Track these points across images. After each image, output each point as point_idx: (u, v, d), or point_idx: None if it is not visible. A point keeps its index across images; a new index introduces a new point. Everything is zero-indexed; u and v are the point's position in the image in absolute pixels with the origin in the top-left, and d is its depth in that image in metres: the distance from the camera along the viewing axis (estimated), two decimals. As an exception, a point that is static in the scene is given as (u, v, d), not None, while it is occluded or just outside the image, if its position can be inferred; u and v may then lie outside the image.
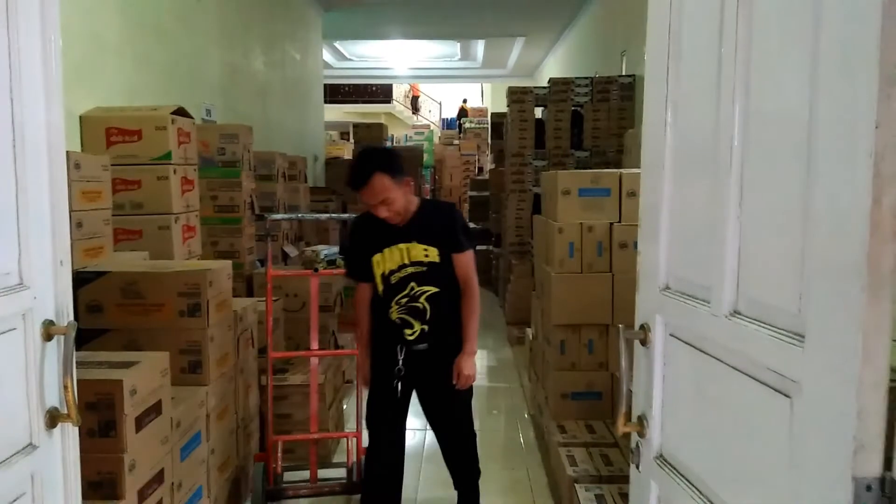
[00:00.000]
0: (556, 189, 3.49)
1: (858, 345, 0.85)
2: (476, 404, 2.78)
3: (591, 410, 3.43)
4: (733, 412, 1.15)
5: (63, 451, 1.37)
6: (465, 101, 20.35)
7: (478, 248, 2.73)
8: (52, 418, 1.33)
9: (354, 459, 3.06)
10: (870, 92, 0.83)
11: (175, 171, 3.28)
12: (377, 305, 2.61)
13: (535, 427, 4.05)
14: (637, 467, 1.49)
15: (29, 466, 1.28)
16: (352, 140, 9.68)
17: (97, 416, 1.92)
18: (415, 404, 2.72)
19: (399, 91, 21.24)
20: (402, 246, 2.52)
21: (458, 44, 13.69)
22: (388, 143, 11.17)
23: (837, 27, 0.90)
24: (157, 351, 2.28)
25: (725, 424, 1.18)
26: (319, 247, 4.56)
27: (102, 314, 2.55)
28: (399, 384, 2.58)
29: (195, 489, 2.49)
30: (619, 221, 3.42)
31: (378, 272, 2.54)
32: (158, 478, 2.16)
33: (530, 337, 4.65)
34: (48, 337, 1.33)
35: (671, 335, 1.37)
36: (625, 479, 1.67)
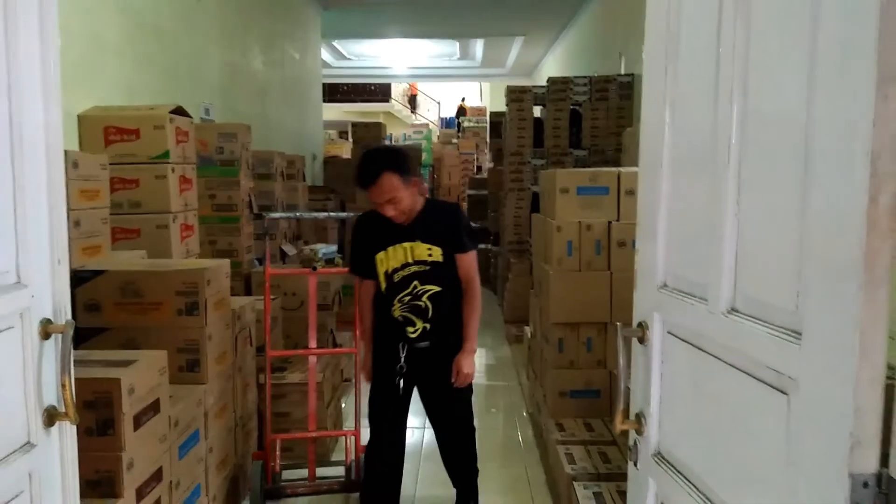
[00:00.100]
0: (554, 188, 3.49)
1: (855, 342, 0.86)
2: (475, 402, 2.79)
3: (589, 408, 3.43)
4: (731, 409, 1.16)
5: (61, 449, 1.37)
6: (463, 99, 20.35)
7: (478, 247, 2.73)
8: (50, 417, 1.33)
9: (353, 458, 3.07)
10: (867, 91, 0.83)
11: (173, 170, 3.28)
12: (380, 303, 2.62)
13: (533, 425, 4.05)
14: (635, 465, 1.49)
15: (27, 465, 1.28)
16: (350, 139, 9.68)
17: (95, 415, 1.92)
18: (414, 402, 2.72)
19: (398, 90, 21.24)
20: (406, 245, 2.53)
21: (458, 43, 13.69)
22: (387, 142, 11.15)
23: (835, 27, 0.90)
24: (155, 350, 2.28)
25: (723, 422, 1.18)
26: (318, 245, 4.55)
27: (100, 313, 2.55)
28: (401, 381, 2.60)
29: (193, 487, 2.49)
30: (618, 220, 3.42)
31: (381, 270, 2.56)
32: (157, 476, 2.16)
33: (529, 335, 4.66)
34: (46, 335, 1.33)
35: (669, 333, 1.37)
36: (623, 476, 1.67)
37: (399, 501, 2.81)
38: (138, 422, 2.03)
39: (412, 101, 21.98)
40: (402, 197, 2.44)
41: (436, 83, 21.06)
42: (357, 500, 3.02)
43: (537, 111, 7.10)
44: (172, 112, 3.31)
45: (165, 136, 3.22)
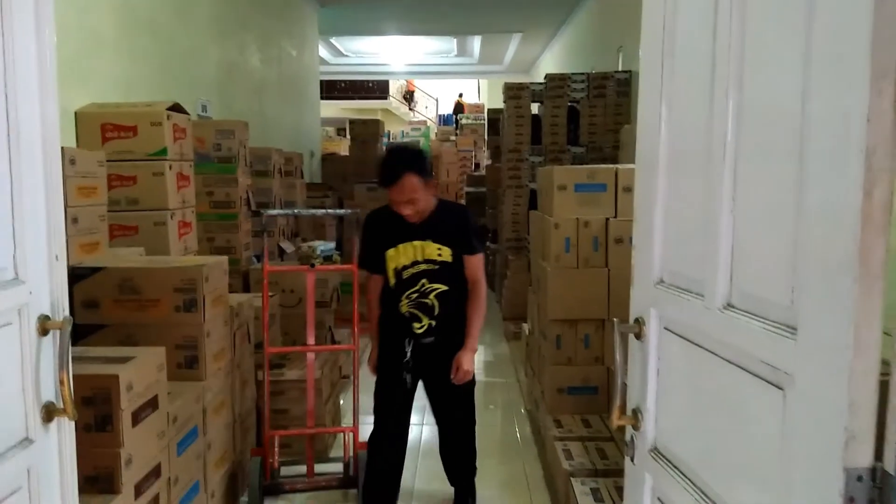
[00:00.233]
0: (552, 185, 3.49)
1: (850, 337, 0.86)
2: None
3: (587, 405, 3.44)
4: (727, 404, 1.16)
5: (59, 445, 1.38)
6: (461, 95, 20.34)
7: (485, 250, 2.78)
8: (49, 413, 1.34)
9: (351, 454, 3.07)
10: (861, 87, 0.84)
11: (170, 167, 3.27)
12: (387, 298, 2.67)
13: (531, 422, 4.06)
14: (632, 460, 1.50)
15: (25, 461, 1.28)
16: (348, 136, 9.67)
17: (94, 411, 1.92)
18: (415, 399, 2.74)
19: (395, 87, 21.21)
20: (416, 243, 2.58)
21: (455, 40, 13.68)
22: (385, 139, 11.15)
23: (830, 23, 0.91)
24: (154, 346, 2.28)
25: (719, 417, 1.19)
26: (316, 242, 4.56)
27: (98, 310, 2.55)
28: (409, 375, 2.64)
29: (192, 484, 2.50)
30: (615, 217, 3.43)
31: (391, 266, 2.60)
32: (155, 472, 2.16)
33: (526, 332, 4.66)
34: (44, 332, 1.33)
35: (665, 329, 1.38)
36: (620, 472, 1.68)
37: (398, 495, 2.82)
38: (137, 418, 2.04)
39: (408, 97, 21.93)
40: (420, 198, 2.50)
41: (433, 80, 21.03)
42: (355, 497, 3.03)
43: (535, 108, 7.10)
44: (170, 109, 3.31)
45: (163, 133, 3.22)
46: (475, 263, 2.65)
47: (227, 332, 2.86)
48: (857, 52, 0.84)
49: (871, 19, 0.82)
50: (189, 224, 3.51)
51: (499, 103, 7.74)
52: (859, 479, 0.86)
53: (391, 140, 14.87)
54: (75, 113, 3.21)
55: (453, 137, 15.21)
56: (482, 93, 21.56)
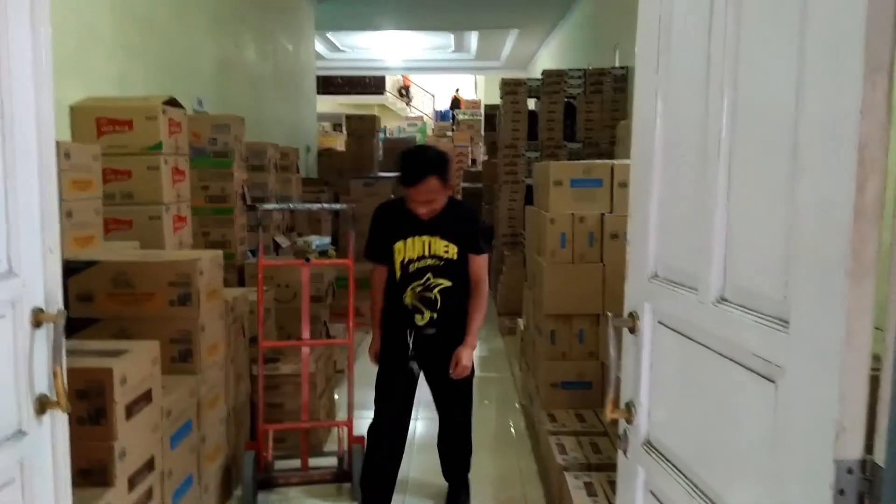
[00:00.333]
0: (548, 180, 3.49)
1: (842, 330, 0.86)
2: (469, 394, 2.81)
3: (581, 399, 3.45)
4: (719, 398, 1.17)
5: (52, 437, 1.38)
6: (457, 90, 20.32)
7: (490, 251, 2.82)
8: (42, 405, 1.33)
9: (345, 448, 3.08)
10: (855, 80, 0.84)
11: (166, 162, 3.26)
12: (392, 289, 2.71)
13: (525, 416, 4.07)
14: (625, 453, 1.50)
15: (18, 453, 1.28)
16: (345, 132, 9.66)
17: (87, 404, 1.92)
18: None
19: (391, 82, 21.16)
20: (425, 238, 2.63)
21: (452, 35, 13.66)
22: (381, 135, 11.13)
23: (824, 17, 0.91)
24: (148, 340, 2.28)
25: (711, 410, 1.19)
26: (311, 237, 4.56)
27: (92, 303, 2.55)
28: (414, 365, 2.70)
29: (186, 477, 2.50)
30: (611, 212, 3.43)
31: (398, 259, 2.65)
32: (149, 465, 2.16)
33: (521, 327, 4.67)
34: (37, 324, 1.33)
35: (659, 323, 1.38)
36: (614, 467, 1.68)
37: (395, 483, 2.84)
38: (130, 411, 2.03)
39: (402, 92, 21.87)
40: (438, 199, 2.57)
41: (430, 76, 21.00)
42: (349, 490, 3.03)
43: (532, 104, 7.09)
44: (165, 103, 3.30)
45: (158, 128, 3.21)
46: (480, 263, 2.71)
47: (221, 327, 2.86)
48: (850, 45, 0.84)
49: (864, 12, 0.82)
50: (184, 218, 3.50)
51: (495, 99, 7.74)
52: (849, 471, 0.86)
53: (387, 136, 14.85)
54: (70, 107, 3.20)
55: (450, 133, 15.21)
56: (479, 88, 21.54)
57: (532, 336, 3.97)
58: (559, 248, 3.43)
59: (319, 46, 13.16)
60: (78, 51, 3.50)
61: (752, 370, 1.05)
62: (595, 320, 3.48)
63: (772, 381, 1.00)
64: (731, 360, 1.12)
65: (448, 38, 14.00)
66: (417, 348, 2.70)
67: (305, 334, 3.10)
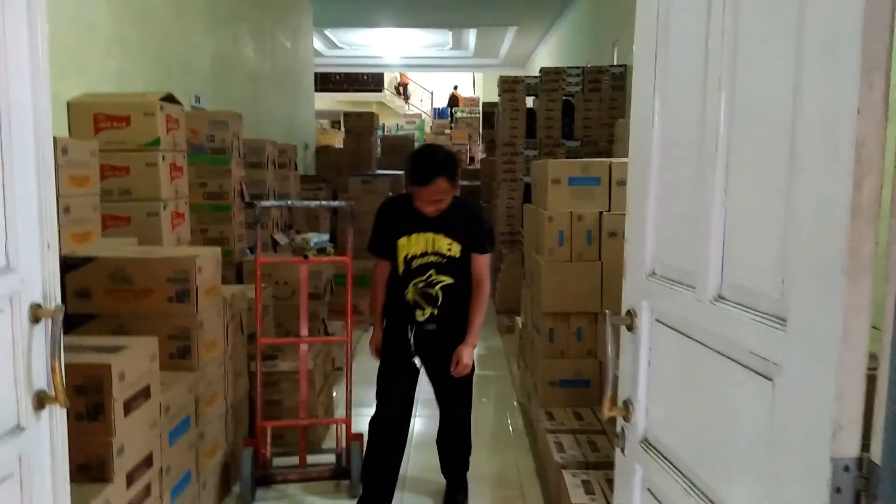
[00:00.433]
0: (546, 178, 3.49)
1: (839, 327, 0.87)
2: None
3: (578, 398, 3.46)
4: (717, 396, 1.17)
5: (51, 433, 1.38)
6: (455, 87, 20.30)
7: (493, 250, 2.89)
8: (40, 400, 1.34)
9: (343, 445, 3.08)
10: (852, 79, 0.84)
11: (164, 158, 3.26)
12: (394, 283, 2.74)
13: (523, 414, 4.07)
14: (622, 451, 1.51)
15: (16, 448, 1.28)
16: (343, 129, 9.64)
17: (85, 400, 1.92)
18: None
19: (388, 79, 21.12)
20: (429, 235, 2.65)
21: (450, 33, 13.64)
22: (380, 132, 11.12)
23: (822, 15, 0.91)
24: (146, 336, 2.28)
25: (709, 408, 1.20)
26: (309, 234, 4.55)
27: (90, 300, 2.54)
28: (416, 360, 2.74)
29: (184, 473, 2.50)
30: (609, 210, 3.43)
31: (402, 254, 2.68)
32: (147, 462, 2.16)
33: (520, 325, 4.67)
34: (35, 320, 1.33)
35: (657, 320, 1.39)
36: (611, 465, 1.69)
37: (397, 479, 2.85)
38: (129, 407, 2.03)
39: (399, 90, 21.83)
40: (445, 199, 2.59)
41: (428, 73, 20.98)
42: (347, 487, 3.04)
43: (530, 102, 7.09)
44: (163, 99, 3.29)
45: (156, 124, 3.20)
46: (483, 263, 2.73)
47: (219, 323, 2.86)
48: (848, 44, 0.85)
49: (862, 11, 0.82)
50: (182, 215, 3.50)
51: (494, 97, 7.73)
52: (846, 469, 0.87)
53: (385, 133, 14.84)
54: (68, 103, 3.19)
55: (448, 131, 15.21)
56: (477, 86, 21.51)
57: (530, 334, 3.97)
58: (557, 247, 3.44)
59: (318, 43, 13.14)
60: (75, 46, 3.49)
61: (749, 368, 1.06)
62: (593, 318, 3.49)
63: (769, 379, 1.01)
64: (728, 357, 1.12)
65: (446, 36, 13.98)
66: (418, 344, 2.72)
67: (304, 331, 3.11)
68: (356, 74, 19.20)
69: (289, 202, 4.72)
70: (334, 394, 4.03)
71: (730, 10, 1.14)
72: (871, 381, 0.86)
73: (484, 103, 9.70)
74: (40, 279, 1.35)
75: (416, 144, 12.23)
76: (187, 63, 5.08)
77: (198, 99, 5.14)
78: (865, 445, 0.87)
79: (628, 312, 1.47)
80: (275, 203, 4.48)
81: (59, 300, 1.40)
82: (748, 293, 1.08)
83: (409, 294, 2.69)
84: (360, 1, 10.45)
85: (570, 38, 10.67)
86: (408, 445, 3.51)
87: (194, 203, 3.86)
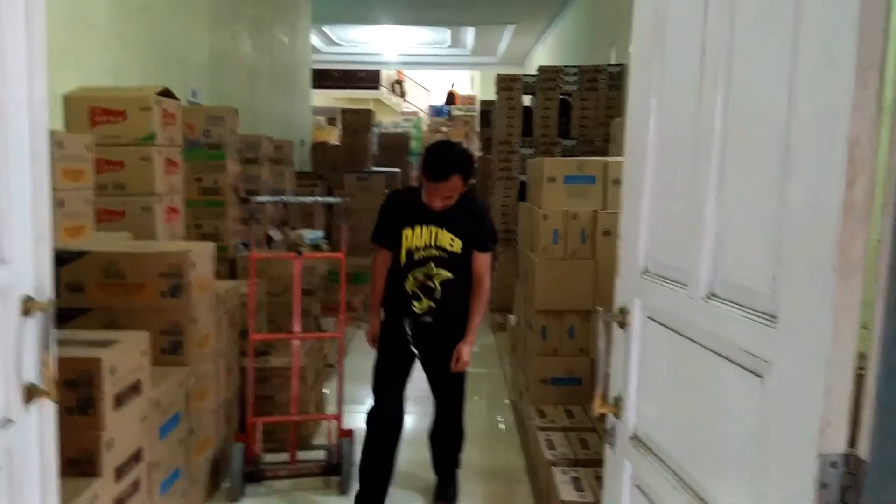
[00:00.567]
0: (541, 176, 3.50)
1: (829, 325, 0.87)
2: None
3: (570, 395, 3.46)
4: (707, 393, 1.17)
5: (40, 426, 1.37)
6: (453, 85, 20.27)
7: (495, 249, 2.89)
8: (30, 394, 1.33)
9: (334, 442, 3.08)
10: (847, 78, 0.84)
11: (159, 153, 3.25)
12: (394, 274, 2.77)
13: (514, 412, 4.08)
14: (612, 448, 1.51)
15: (5, 441, 1.27)
16: (339, 126, 9.63)
17: (76, 394, 1.91)
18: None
19: (384, 77, 21.08)
20: (433, 228, 2.69)
21: (449, 30, 13.62)
22: (376, 129, 11.11)
23: (818, 13, 0.91)
24: (138, 331, 2.27)
25: (699, 405, 1.20)
26: (304, 231, 4.54)
27: (83, 293, 2.54)
28: (413, 349, 2.77)
29: (174, 469, 2.49)
30: (604, 209, 3.44)
31: (405, 245, 2.71)
32: (136, 456, 2.16)
33: (513, 323, 4.68)
34: (27, 312, 1.32)
35: (649, 318, 1.39)
36: (601, 462, 1.69)
37: (393, 471, 2.86)
38: (119, 402, 2.03)
39: (395, 87, 21.78)
40: (455, 196, 2.64)
41: (426, 71, 20.94)
42: (337, 484, 3.03)
43: (527, 100, 7.09)
44: (159, 94, 3.28)
45: (152, 118, 3.19)
46: (484, 261, 2.77)
47: (212, 319, 2.85)
48: (843, 43, 0.85)
49: (857, 10, 0.82)
50: (176, 210, 3.49)
51: (491, 95, 7.73)
52: (833, 465, 0.87)
53: (382, 130, 14.81)
54: (63, 96, 3.18)
55: (445, 129, 15.18)
56: (474, 84, 21.50)
57: (523, 332, 3.98)
58: (551, 245, 3.44)
59: (315, 40, 13.11)
60: (72, 40, 3.47)
61: (740, 365, 1.06)
62: (586, 317, 3.49)
63: (759, 376, 1.01)
64: (719, 355, 1.12)
65: (444, 34, 13.96)
66: (414, 336, 2.75)
67: (296, 328, 3.10)
68: (353, 71, 19.15)
69: (284, 198, 4.71)
70: (325, 390, 4.03)
71: (726, 9, 1.14)
72: (860, 380, 0.87)
73: (481, 101, 9.70)
74: (32, 272, 1.34)
75: (413, 142, 12.25)
76: (184, 58, 5.07)
77: (194, 94, 5.12)
78: (852, 442, 0.87)
79: (621, 310, 1.47)
80: (270, 199, 4.47)
81: (51, 293, 1.39)
82: (740, 291, 1.09)
83: (409, 285, 2.72)
84: (358, -3, 10.44)
85: (568, 37, 10.67)
86: (400, 441, 3.53)
87: (189, 198, 3.85)
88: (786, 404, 0.94)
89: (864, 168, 0.85)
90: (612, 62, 6.92)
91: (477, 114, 12.67)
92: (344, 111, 9.38)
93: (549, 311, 3.49)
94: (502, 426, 3.91)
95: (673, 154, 1.34)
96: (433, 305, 2.72)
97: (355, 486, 2.91)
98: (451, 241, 2.69)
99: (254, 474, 2.99)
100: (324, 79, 17.58)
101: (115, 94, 3.31)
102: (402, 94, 21.68)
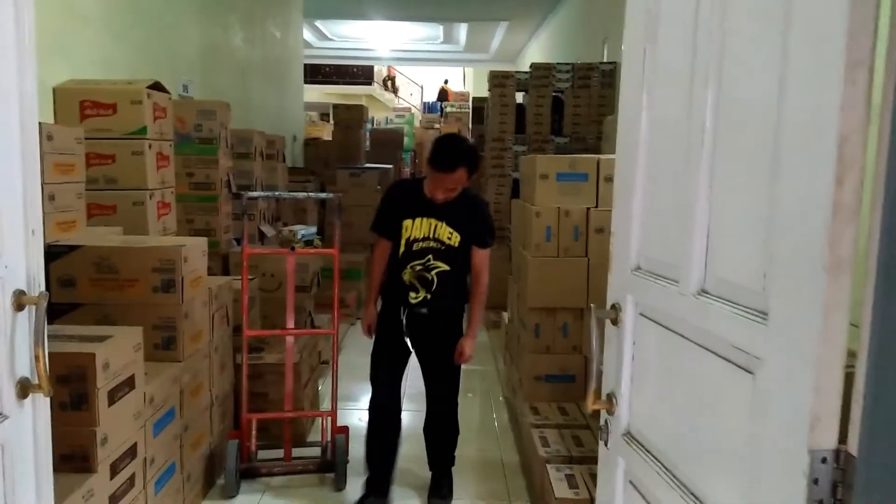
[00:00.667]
0: (534, 173, 3.50)
1: (819, 322, 0.88)
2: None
3: (563, 393, 3.48)
4: (699, 389, 1.18)
5: (34, 421, 1.37)
6: (446, 81, 20.25)
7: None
8: (23, 388, 1.32)
9: (329, 439, 3.08)
10: (836, 75, 0.85)
11: (150, 147, 3.24)
12: (393, 264, 2.81)
13: (508, 409, 4.09)
14: (605, 444, 1.52)
15: (-1, 436, 1.27)
16: (332, 121, 9.60)
17: (69, 389, 1.91)
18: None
19: (378, 74, 21.04)
20: (433, 221, 2.74)
21: (441, 27, 13.60)
22: (369, 125, 11.09)
23: (808, 12, 0.92)
24: (131, 326, 2.26)
25: (691, 401, 1.21)
26: (297, 227, 4.54)
27: (75, 288, 2.53)
28: (407, 341, 2.81)
29: (168, 465, 2.49)
30: (596, 206, 3.45)
31: (405, 235, 2.75)
32: (131, 452, 2.16)
33: (506, 321, 4.69)
34: (19, 307, 1.32)
35: (641, 314, 1.40)
36: (595, 459, 1.70)
37: (397, 460, 2.97)
38: (112, 397, 2.03)
39: (387, 84, 21.73)
40: (458, 189, 2.69)
41: (419, 67, 20.91)
42: (332, 481, 3.04)
43: (520, 97, 7.10)
44: (150, 87, 3.26)
45: (143, 112, 3.18)
46: (483, 256, 2.82)
47: (205, 314, 2.85)
48: (833, 40, 0.86)
49: (847, 8, 0.83)
50: (168, 205, 3.47)
51: (484, 91, 7.72)
52: (823, 460, 0.88)
53: (375, 126, 14.79)
54: (54, 88, 3.16)
55: (437, 125, 15.15)
56: (467, 81, 21.49)
57: (516, 329, 3.99)
58: (544, 242, 3.45)
59: (308, 34, 13.07)
60: (63, 32, 3.45)
61: (730, 361, 1.07)
62: (579, 314, 3.51)
63: (750, 373, 1.02)
64: (710, 351, 1.13)
65: (437, 30, 13.94)
66: (409, 326, 2.79)
67: (290, 324, 3.10)
68: (346, 67, 19.11)
69: (276, 194, 4.70)
70: (320, 387, 4.02)
71: (718, 7, 1.15)
72: (849, 378, 0.88)
73: (474, 98, 9.68)
74: (24, 266, 1.34)
75: (406, 139, 12.23)
76: (175, 51, 5.04)
77: (185, 88, 5.10)
78: (843, 438, 0.89)
79: (613, 306, 1.48)
80: (262, 194, 4.46)
81: (43, 287, 1.38)
82: (731, 287, 1.09)
83: (406, 275, 2.76)
84: (350, -7, 10.40)
85: (560, 34, 10.68)
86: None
87: (181, 193, 3.84)
88: (776, 401, 0.95)
89: (854, 166, 0.86)
90: (605, 59, 6.93)
91: (469, 110, 12.67)
92: (336, 107, 9.36)
93: (542, 308, 3.50)
94: (496, 423, 3.92)
95: (664, 151, 1.34)
96: (428, 297, 2.76)
97: (350, 483, 2.92)
98: (449, 235, 2.73)
99: (248, 471, 2.99)
100: (316, 74, 17.55)
101: (106, 86, 3.28)
102: (395, 90, 21.64)
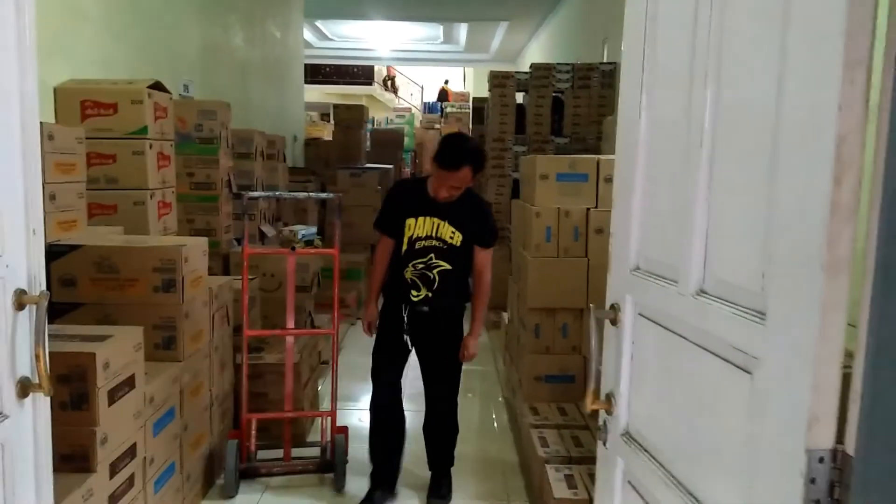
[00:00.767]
0: (534, 173, 3.51)
1: (817, 322, 0.88)
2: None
3: (563, 393, 3.48)
4: (697, 389, 1.18)
5: (34, 421, 1.37)
6: (446, 81, 20.25)
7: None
8: (24, 388, 1.33)
9: (328, 439, 3.08)
10: (834, 75, 0.85)
11: (151, 147, 3.24)
12: (396, 262, 2.83)
13: (508, 409, 4.09)
14: (604, 444, 1.52)
15: (-1, 435, 1.28)
16: (332, 121, 9.60)
17: (69, 389, 1.91)
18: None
19: (378, 74, 21.04)
20: (435, 220, 2.76)
21: (441, 27, 13.61)
22: (369, 125, 11.09)
23: (807, 12, 0.92)
24: (131, 326, 2.27)
25: (689, 401, 1.21)
26: (297, 227, 4.54)
27: (76, 288, 2.53)
28: (407, 338, 2.83)
29: (168, 465, 2.50)
30: (596, 207, 3.45)
31: (407, 234, 2.77)
32: (130, 452, 2.16)
33: (506, 321, 4.69)
34: (20, 306, 1.32)
35: (640, 315, 1.40)
36: (594, 460, 1.70)
37: (402, 456, 3.00)
38: (113, 397, 2.03)
39: (387, 84, 21.74)
40: (462, 189, 2.71)
41: (419, 67, 20.91)
42: (331, 481, 3.04)
43: (520, 97, 7.10)
44: (151, 87, 3.27)
45: (143, 112, 3.18)
46: (485, 257, 2.85)
47: (205, 314, 2.85)
48: (831, 40, 0.86)
49: (845, 7, 0.83)
50: (169, 204, 3.48)
51: (484, 92, 7.73)
52: (821, 460, 0.88)
53: (375, 126, 14.80)
54: (54, 88, 3.16)
55: (438, 125, 15.16)
56: (468, 81, 21.49)
57: (516, 330, 3.99)
58: (544, 242, 3.45)
59: (308, 34, 13.07)
60: (63, 31, 3.45)
61: (729, 361, 1.07)
62: (579, 314, 3.51)
63: (748, 373, 1.02)
64: (709, 351, 1.13)
65: (437, 30, 13.94)
66: (410, 324, 2.81)
67: (290, 324, 3.10)
68: (346, 67, 19.11)
69: (277, 194, 4.70)
70: (319, 387, 4.03)
71: (717, 7, 1.15)
72: (846, 378, 0.88)
73: (474, 98, 9.68)
74: (25, 265, 1.35)
75: (406, 139, 12.23)
76: (176, 51, 5.04)
77: (186, 87, 5.10)
78: (840, 438, 0.89)
79: (612, 307, 1.48)
80: (263, 194, 4.46)
81: (43, 286, 1.39)
82: (729, 287, 1.10)
83: (408, 273, 2.78)
84: (350, -7, 10.41)
85: (560, 34, 10.68)
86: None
87: (181, 193, 3.84)
88: (774, 400, 0.96)
89: (852, 166, 0.86)
90: (605, 59, 6.94)
91: (470, 111, 12.67)
92: (336, 107, 9.36)
93: (542, 308, 3.50)
94: (495, 424, 3.93)
95: (664, 152, 1.35)
96: (429, 295, 2.78)
97: (350, 483, 2.92)
98: (451, 234, 2.75)
99: (248, 471, 2.99)
100: (317, 74, 17.54)
101: (107, 86, 3.29)
102: (395, 91, 21.64)
